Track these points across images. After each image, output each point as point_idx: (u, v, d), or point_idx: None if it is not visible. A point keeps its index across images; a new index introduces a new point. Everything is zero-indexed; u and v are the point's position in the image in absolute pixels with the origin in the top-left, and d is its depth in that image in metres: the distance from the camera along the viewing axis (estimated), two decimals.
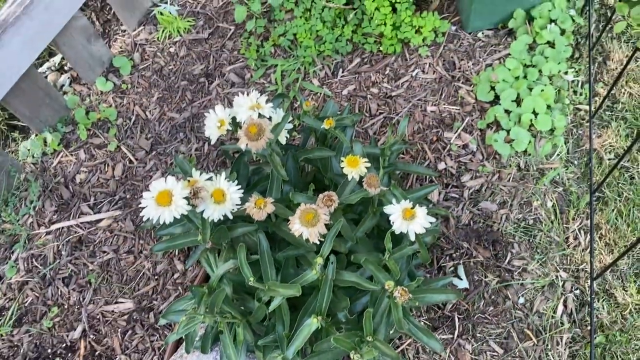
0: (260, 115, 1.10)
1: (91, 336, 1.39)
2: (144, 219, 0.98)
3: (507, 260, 1.33)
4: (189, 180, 1.05)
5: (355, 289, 1.12)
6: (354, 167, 1.03)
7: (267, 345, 1.09)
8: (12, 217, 1.58)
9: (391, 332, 1.22)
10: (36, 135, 1.69)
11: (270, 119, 1.14)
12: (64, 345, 1.39)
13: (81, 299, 1.44)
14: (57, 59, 1.89)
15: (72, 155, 1.67)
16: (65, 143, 1.69)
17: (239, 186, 1.05)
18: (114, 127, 1.68)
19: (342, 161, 1.04)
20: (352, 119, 1.18)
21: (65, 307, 1.44)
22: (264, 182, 1.20)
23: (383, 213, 1.13)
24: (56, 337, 1.40)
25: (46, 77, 1.82)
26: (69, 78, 1.83)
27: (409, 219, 0.98)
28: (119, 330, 1.38)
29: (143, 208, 0.98)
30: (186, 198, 0.98)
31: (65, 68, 1.87)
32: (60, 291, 1.46)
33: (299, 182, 1.21)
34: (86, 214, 1.56)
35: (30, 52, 1.50)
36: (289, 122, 1.13)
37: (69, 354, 1.37)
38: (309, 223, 0.96)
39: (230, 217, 1.04)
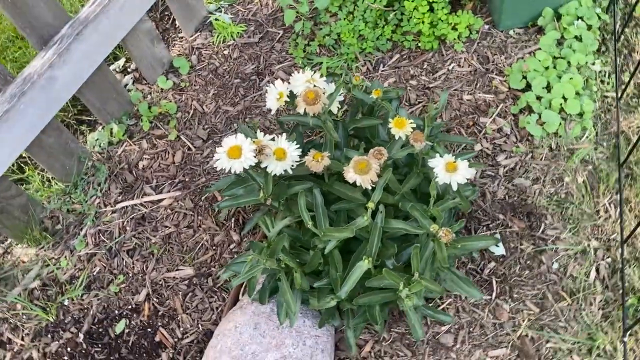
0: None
1: (154, 299, 1.51)
2: (218, 169, 1.12)
3: (541, 230, 1.43)
4: (253, 141, 1.18)
5: (401, 240, 1.23)
6: (401, 127, 1.16)
7: (321, 291, 1.20)
8: (81, 198, 1.74)
9: (432, 290, 1.32)
10: (103, 127, 1.86)
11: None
12: (130, 307, 1.51)
13: (144, 267, 1.57)
14: (120, 62, 2.08)
15: (135, 144, 1.83)
16: (129, 134, 1.85)
17: (298, 145, 1.18)
18: (174, 119, 1.85)
19: (390, 122, 1.16)
20: (397, 92, 1.31)
21: (130, 275, 1.57)
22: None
23: (426, 175, 1.25)
24: (122, 299, 1.53)
25: None
26: (132, 78, 2.01)
27: (452, 171, 1.10)
28: (180, 293, 1.50)
29: (216, 161, 1.12)
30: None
31: (129, 70, 2.05)
32: (125, 261, 1.60)
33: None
34: (149, 195, 1.71)
35: (104, 48, 1.68)
36: (340, 95, 1.27)
37: (134, 314, 1.50)
38: (362, 171, 1.08)
39: (290, 172, 1.17)
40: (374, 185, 1.09)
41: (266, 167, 1.17)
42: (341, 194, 1.20)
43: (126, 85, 1.99)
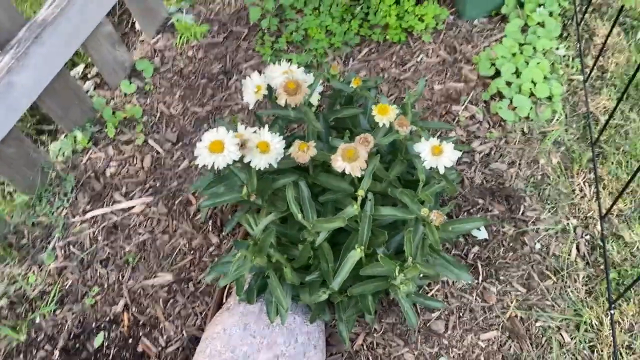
0: None
1: (133, 308, 1.45)
2: (199, 166, 1.08)
3: (520, 212, 1.44)
4: (235, 135, 1.15)
5: (390, 228, 1.21)
6: (384, 114, 1.15)
7: (311, 285, 1.18)
8: (47, 210, 1.66)
9: (421, 277, 1.31)
10: (66, 135, 1.78)
11: None
12: (108, 319, 1.45)
13: (120, 277, 1.51)
14: (80, 68, 2.00)
15: (101, 151, 1.76)
16: (94, 141, 1.78)
17: (281, 137, 1.15)
18: (140, 124, 1.79)
19: (373, 109, 1.15)
20: (376, 80, 1.30)
21: (106, 286, 1.50)
22: None
23: (409, 162, 1.24)
24: (99, 312, 1.46)
25: None
26: (93, 84, 1.94)
27: (438, 154, 1.09)
28: (161, 300, 1.45)
29: (196, 157, 1.08)
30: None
31: (89, 76, 1.98)
32: (99, 272, 1.53)
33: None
34: (119, 202, 1.64)
35: (65, 52, 1.62)
36: (320, 84, 1.25)
37: (113, 326, 1.43)
38: (350, 159, 1.06)
39: (275, 165, 1.13)
40: (363, 173, 1.07)
41: (249, 161, 1.13)
42: (327, 185, 1.18)
43: (87, 91, 1.92)
